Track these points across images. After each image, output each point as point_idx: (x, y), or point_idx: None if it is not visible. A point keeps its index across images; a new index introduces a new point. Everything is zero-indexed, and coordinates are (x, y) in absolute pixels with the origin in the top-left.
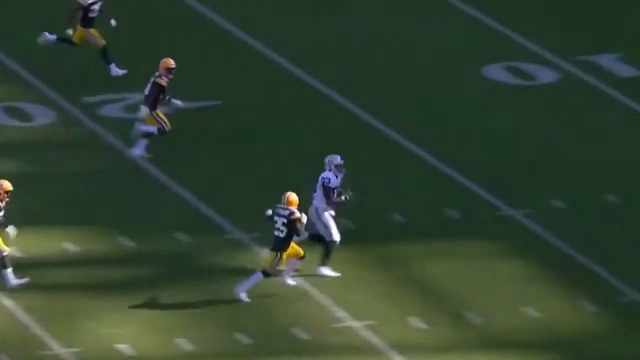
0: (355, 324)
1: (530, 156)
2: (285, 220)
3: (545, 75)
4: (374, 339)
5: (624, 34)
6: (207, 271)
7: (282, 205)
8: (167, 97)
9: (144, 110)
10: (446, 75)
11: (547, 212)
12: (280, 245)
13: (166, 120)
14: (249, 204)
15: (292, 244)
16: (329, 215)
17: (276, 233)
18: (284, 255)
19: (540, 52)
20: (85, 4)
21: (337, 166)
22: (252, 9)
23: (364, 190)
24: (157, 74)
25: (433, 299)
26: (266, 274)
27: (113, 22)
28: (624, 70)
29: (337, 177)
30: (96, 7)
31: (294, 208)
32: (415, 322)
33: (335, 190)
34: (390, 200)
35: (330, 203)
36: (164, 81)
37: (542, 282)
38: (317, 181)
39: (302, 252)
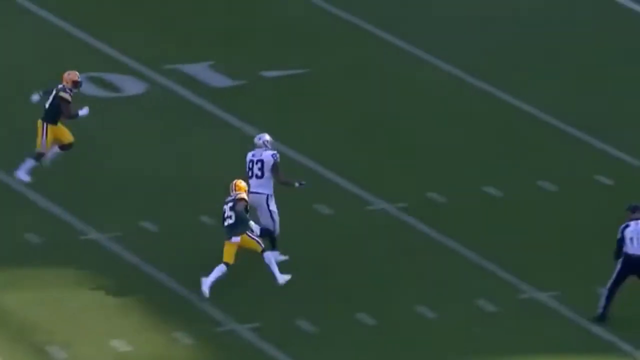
0: None
1: (113, 174)
2: (232, 204)
3: (131, 86)
4: None
5: (214, 42)
6: None
7: (231, 193)
8: (74, 112)
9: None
10: (15, 91)
11: (136, 235)
12: (235, 232)
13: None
14: None
15: (249, 239)
16: (275, 206)
17: (226, 223)
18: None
19: (125, 61)
20: None
21: (269, 142)
22: None
23: None
24: (60, 86)
25: (12, 331)
26: (227, 265)
27: None
28: (215, 80)
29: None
30: None
31: (242, 192)
32: None
33: None
34: None
35: (281, 181)
36: (68, 95)
37: (134, 312)
38: (252, 166)
39: (260, 248)
